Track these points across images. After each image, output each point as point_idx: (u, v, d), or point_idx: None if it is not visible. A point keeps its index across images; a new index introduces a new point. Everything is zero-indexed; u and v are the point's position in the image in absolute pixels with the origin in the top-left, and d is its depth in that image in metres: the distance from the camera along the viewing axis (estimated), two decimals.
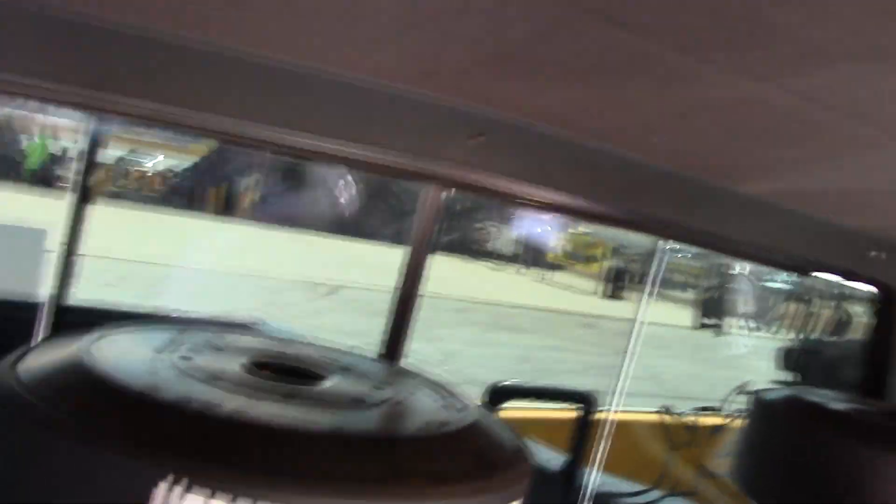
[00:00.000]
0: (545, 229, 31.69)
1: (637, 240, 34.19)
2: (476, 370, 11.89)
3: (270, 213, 26.45)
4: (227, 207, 28.10)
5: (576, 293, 25.70)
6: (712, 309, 28.35)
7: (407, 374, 1.28)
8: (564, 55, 1.25)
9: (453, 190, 1.99)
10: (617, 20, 1.06)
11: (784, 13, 0.96)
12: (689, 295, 30.35)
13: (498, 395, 2.38)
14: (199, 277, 16.10)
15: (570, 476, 2.30)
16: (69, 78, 1.33)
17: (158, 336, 1.15)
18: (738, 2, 0.96)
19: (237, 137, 1.65)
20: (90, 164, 2.41)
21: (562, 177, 1.85)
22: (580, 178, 1.86)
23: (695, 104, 1.41)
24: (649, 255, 32.65)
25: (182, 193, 30.13)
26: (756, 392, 1.96)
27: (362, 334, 12.59)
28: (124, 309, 4.31)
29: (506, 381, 2.43)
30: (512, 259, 30.60)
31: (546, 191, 1.88)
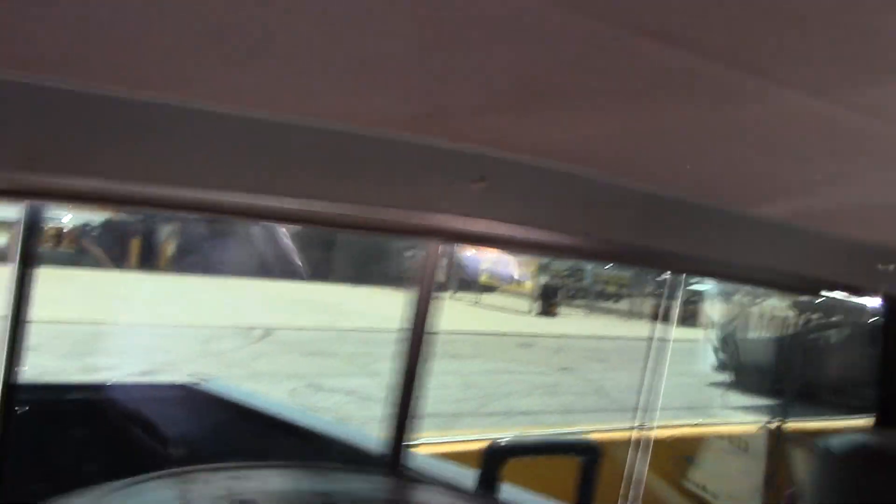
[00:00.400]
0: (472, 253, 31.75)
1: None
2: (420, 402, 11.73)
3: (192, 261, 25.89)
4: (147, 259, 27.40)
5: (510, 314, 25.74)
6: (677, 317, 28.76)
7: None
8: (594, 81, 1.12)
9: (453, 245, 1.84)
10: (656, 35, 0.95)
11: (843, 25, 0.89)
12: (621, 305, 30.77)
13: (496, 454, 2.25)
14: (127, 333, 15.60)
15: None
16: None
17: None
18: (791, 11, 0.88)
19: (208, 208, 1.43)
20: (32, 229, 2.20)
21: (571, 217, 1.70)
22: (592, 217, 1.72)
23: (736, 123, 1.29)
24: (576, 270, 33.11)
25: (100, 248, 29.27)
26: (821, 444, 1.90)
27: (301, 376, 12.34)
28: (70, 381, 4.06)
29: (503, 439, 2.31)
30: (444, 286, 30.48)
31: (553, 233, 1.71)
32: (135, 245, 27.86)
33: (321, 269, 25.51)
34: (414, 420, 2.27)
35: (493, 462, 2.23)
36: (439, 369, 14.13)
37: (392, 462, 2.23)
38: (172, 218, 28.00)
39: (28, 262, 2.13)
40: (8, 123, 1.09)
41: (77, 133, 1.15)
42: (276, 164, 1.32)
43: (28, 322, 2.31)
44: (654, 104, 1.23)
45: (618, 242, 1.80)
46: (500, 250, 2.02)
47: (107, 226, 31.74)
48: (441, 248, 1.89)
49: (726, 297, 38.78)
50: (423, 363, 2.18)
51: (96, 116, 1.16)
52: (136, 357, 13.28)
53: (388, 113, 1.31)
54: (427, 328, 2.20)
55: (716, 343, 16.67)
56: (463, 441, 5.59)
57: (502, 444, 2.19)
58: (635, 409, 12.41)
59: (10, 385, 2.20)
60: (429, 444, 4.39)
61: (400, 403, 2.24)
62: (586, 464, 2.29)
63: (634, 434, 6.26)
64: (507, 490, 2.34)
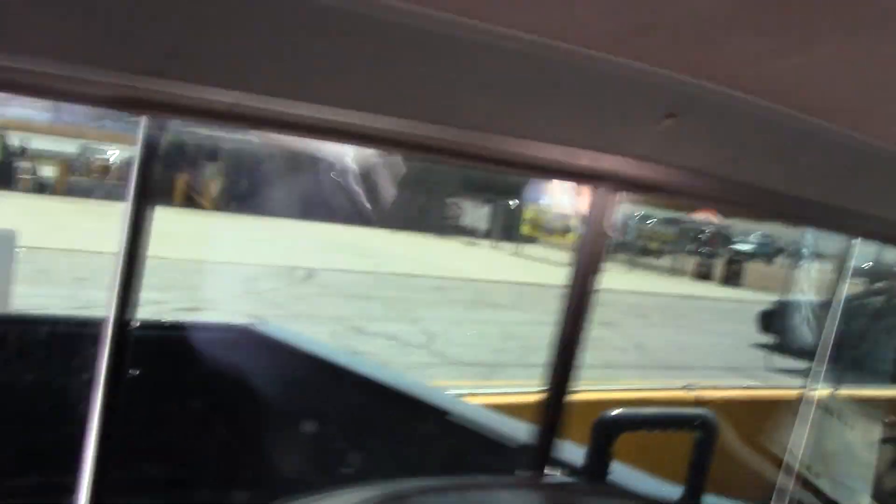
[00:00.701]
0: (516, 203, 31.54)
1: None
2: (460, 350, 11.71)
3: (237, 200, 26.02)
4: (192, 197, 27.59)
5: (551, 265, 25.58)
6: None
7: None
8: (822, 4, 0.93)
9: (625, 193, 1.63)
10: None
11: None
12: (663, 262, 30.44)
13: (607, 428, 2.12)
14: (170, 269, 15.75)
15: None
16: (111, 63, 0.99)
17: None
18: None
19: (348, 133, 1.21)
20: (149, 160, 1.96)
21: (769, 167, 1.50)
22: (791, 169, 1.50)
23: None
24: (621, 223, 32.96)
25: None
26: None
27: (342, 318, 12.35)
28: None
29: (614, 412, 2.17)
30: (485, 234, 30.42)
31: (744, 185, 1.52)
32: (180, 182, 28.04)
33: (366, 213, 25.49)
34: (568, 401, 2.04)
35: (604, 437, 2.09)
36: (480, 318, 14.12)
37: (541, 453, 2.01)
38: (218, 156, 28.10)
39: (144, 190, 1.91)
40: (137, 26, 0.97)
41: (214, 39, 1.01)
42: (445, 88, 1.13)
43: (144, 258, 2.12)
44: (886, 38, 1.02)
45: (819, 201, 1.55)
46: (676, 200, 1.78)
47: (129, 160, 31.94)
48: (613, 196, 1.65)
49: (770, 258, 38.25)
50: (584, 329, 1.95)
51: (244, 21, 1.01)
52: (180, 293, 13.40)
53: (586, 26, 1.10)
54: (591, 287, 1.97)
55: (763, 305, 16.38)
56: (518, 393, 5.53)
57: (613, 417, 2.07)
58: (678, 368, 12.28)
59: (124, 322, 2.04)
60: (478, 395, 4.33)
61: (555, 379, 2.00)
62: (702, 439, 2.17)
63: (688, 394, 6.13)
64: (618, 466, 2.18)
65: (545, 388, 1.95)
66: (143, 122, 1.57)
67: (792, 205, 1.59)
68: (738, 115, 1.34)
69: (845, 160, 1.50)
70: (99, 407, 1.53)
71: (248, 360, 3.23)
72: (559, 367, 1.93)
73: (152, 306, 11.43)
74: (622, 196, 1.64)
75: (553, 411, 1.93)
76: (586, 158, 1.40)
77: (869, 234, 2.05)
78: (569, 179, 1.55)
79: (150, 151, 1.56)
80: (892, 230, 1.77)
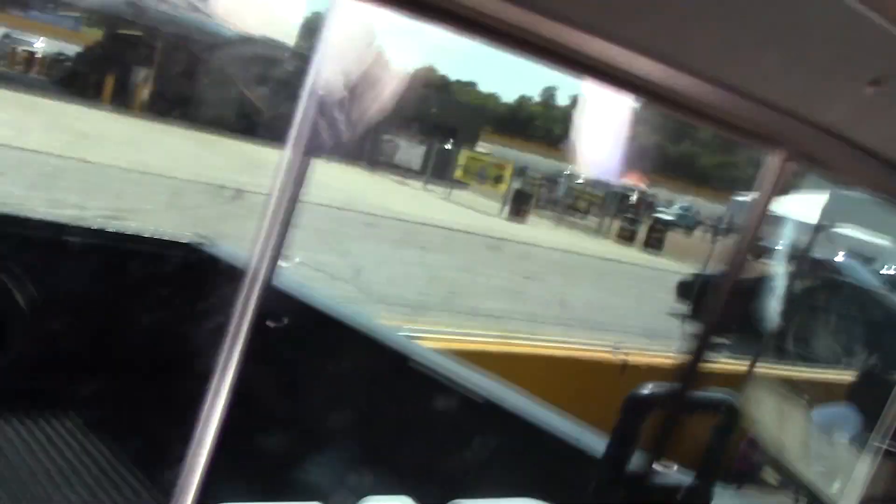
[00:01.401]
0: (451, 145, 31.39)
1: (541, 163, 34.38)
2: (387, 288, 11.64)
3: (167, 107, 25.15)
4: (120, 99, 26.58)
5: (479, 213, 25.64)
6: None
7: None
8: None
9: (798, 164, 1.46)
10: None
11: None
12: (589, 221, 30.84)
13: (637, 406, 2.03)
14: (93, 172, 15.18)
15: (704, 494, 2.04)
16: None
17: None
18: None
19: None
20: (314, 108, 1.61)
21: None
22: None
23: None
24: (552, 179, 33.01)
25: (73, 81, 28.30)
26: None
27: None
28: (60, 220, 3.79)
29: (645, 391, 2.06)
30: (418, 174, 30.23)
31: None
32: (109, 82, 26.95)
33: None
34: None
35: (633, 415, 2.00)
36: (407, 258, 14.06)
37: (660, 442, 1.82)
38: (152, 59, 27.06)
39: (308, 140, 1.61)
40: None
41: None
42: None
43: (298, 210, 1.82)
44: None
45: None
46: (854, 179, 1.56)
47: (82, 57, 30.63)
48: (788, 166, 1.44)
49: (690, 229, 39.13)
50: (715, 330, 1.73)
51: None
52: (102, 199, 12.94)
53: None
54: (735, 277, 1.71)
55: (680, 274, 16.75)
56: (471, 341, 5.50)
57: (644, 396, 2.00)
58: (599, 328, 12.46)
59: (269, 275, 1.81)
60: (430, 338, 4.27)
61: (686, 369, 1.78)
62: (723, 422, 2.13)
63: (613, 356, 6.18)
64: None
65: (675, 377, 1.80)
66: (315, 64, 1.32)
67: None
68: None
69: None
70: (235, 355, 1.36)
71: (195, 280, 3.08)
72: (693, 356, 1.74)
73: (72, 210, 11.02)
74: (794, 168, 1.49)
75: (678, 404, 1.78)
76: (771, 118, 1.25)
77: None
78: (747, 138, 1.37)
79: (316, 99, 1.34)
80: None
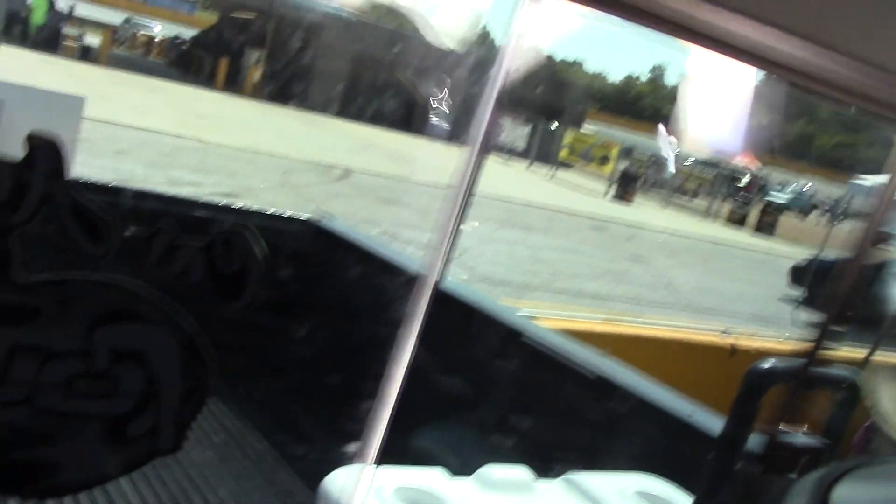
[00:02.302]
0: (556, 125, 31.12)
1: (648, 143, 33.71)
2: (491, 268, 11.69)
3: (279, 90, 25.78)
4: (234, 82, 27.38)
5: (584, 194, 25.38)
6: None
7: None
8: None
9: None
10: None
11: None
12: (697, 203, 30.13)
13: (760, 378, 2.03)
14: (209, 152, 15.72)
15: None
16: None
17: None
18: None
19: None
20: (497, 115, 1.57)
21: None
22: None
23: None
24: (658, 160, 32.27)
25: (189, 63, 29.31)
26: None
27: (376, 222, 12.32)
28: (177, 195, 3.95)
29: (766, 364, 2.05)
30: (522, 154, 30.12)
31: None
32: (223, 64, 27.79)
33: (404, 118, 25.22)
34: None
35: (755, 388, 1.99)
36: (511, 238, 14.07)
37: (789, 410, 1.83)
38: (263, 43, 27.75)
39: (485, 142, 1.63)
40: None
41: None
42: None
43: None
44: None
45: None
46: None
47: (197, 40, 31.68)
48: None
49: (804, 212, 37.73)
50: (849, 306, 1.72)
51: None
52: (218, 176, 13.41)
53: None
54: (862, 258, 1.70)
55: (792, 259, 16.20)
56: (585, 321, 5.50)
57: (766, 369, 1.99)
58: (707, 311, 12.21)
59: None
60: (543, 318, 4.28)
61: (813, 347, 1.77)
62: (845, 400, 2.10)
63: (722, 340, 6.05)
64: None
65: (806, 348, 1.78)
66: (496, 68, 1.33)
67: None
68: None
69: None
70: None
71: (314, 254, 3.17)
72: (823, 330, 1.72)
73: (190, 188, 11.47)
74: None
75: (808, 373, 1.76)
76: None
77: None
78: (881, 112, 1.35)
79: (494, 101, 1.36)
80: None
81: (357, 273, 3.17)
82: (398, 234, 11.90)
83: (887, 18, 1.08)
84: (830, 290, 1.80)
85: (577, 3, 1.08)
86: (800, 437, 1.88)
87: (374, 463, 1.33)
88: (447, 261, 1.39)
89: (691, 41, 1.10)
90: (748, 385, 2.00)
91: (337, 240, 3.42)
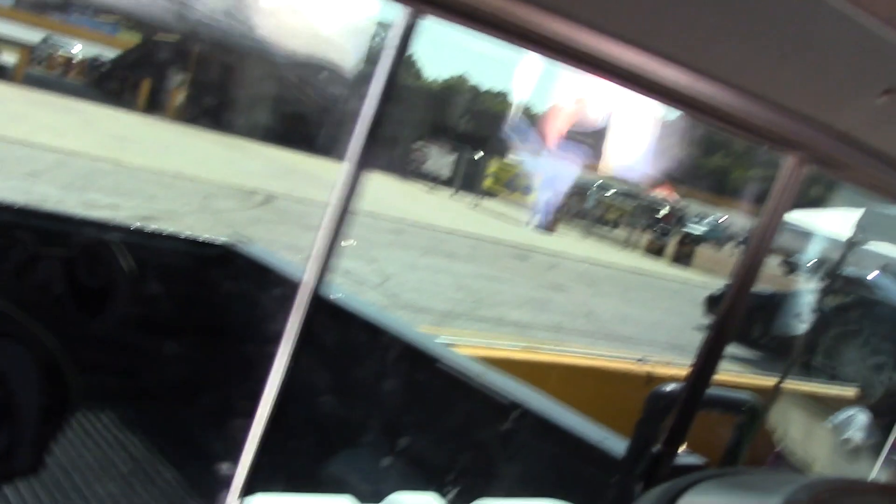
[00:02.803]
0: (481, 155, 31.42)
1: (572, 174, 34.27)
2: (414, 295, 11.68)
3: (201, 112, 25.44)
4: (156, 104, 26.92)
5: (508, 222, 25.64)
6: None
7: None
8: None
9: (813, 167, 1.51)
10: None
11: None
12: (617, 234, 30.72)
13: (662, 400, 2.07)
14: (128, 175, 15.39)
15: None
16: None
17: None
18: None
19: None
20: (377, 122, 1.53)
21: None
22: None
23: None
24: (582, 191, 32.82)
25: (109, 85, 28.71)
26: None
27: (298, 249, 12.26)
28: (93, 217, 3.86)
29: (668, 388, 2.10)
30: (447, 182, 30.30)
31: None
32: (144, 87, 27.31)
33: (328, 143, 25.15)
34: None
35: (655, 411, 2.02)
36: (434, 266, 14.04)
37: (678, 434, 1.85)
38: (186, 66, 27.39)
39: (365, 153, 1.59)
40: None
41: None
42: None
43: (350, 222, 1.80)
44: None
45: None
46: (868, 184, 1.58)
47: (118, 61, 31.06)
48: (802, 169, 1.49)
49: (720, 243, 38.81)
50: (734, 324, 1.78)
51: None
52: (137, 200, 13.12)
53: None
54: (751, 282, 1.81)
55: (707, 288, 16.63)
56: (504, 349, 5.52)
57: (667, 392, 2.02)
58: (625, 340, 12.41)
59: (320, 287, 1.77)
60: (458, 345, 4.29)
61: (700, 366, 1.82)
62: (745, 423, 2.15)
63: (638, 368, 6.16)
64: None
65: (691, 369, 1.84)
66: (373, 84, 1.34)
67: None
68: None
69: None
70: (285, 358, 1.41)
71: (229, 279, 3.13)
72: (707, 352, 1.78)
73: (107, 211, 11.19)
74: (807, 169, 1.53)
75: (695, 394, 1.81)
76: (787, 122, 1.30)
77: None
78: (763, 140, 1.43)
79: (380, 112, 1.37)
80: None
81: (269, 295, 3.15)
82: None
83: (765, 48, 1.14)
84: (723, 306, 1.86)
85: (463, 25, 1.11)
86: (688, 457, 1.93)
87: (243, 485, 1.31)
88: (325, 274, 1.41)
89: (577, 67, 1.13)
90: (648, 408, 2.05)
91: (252, 263, 3.39)
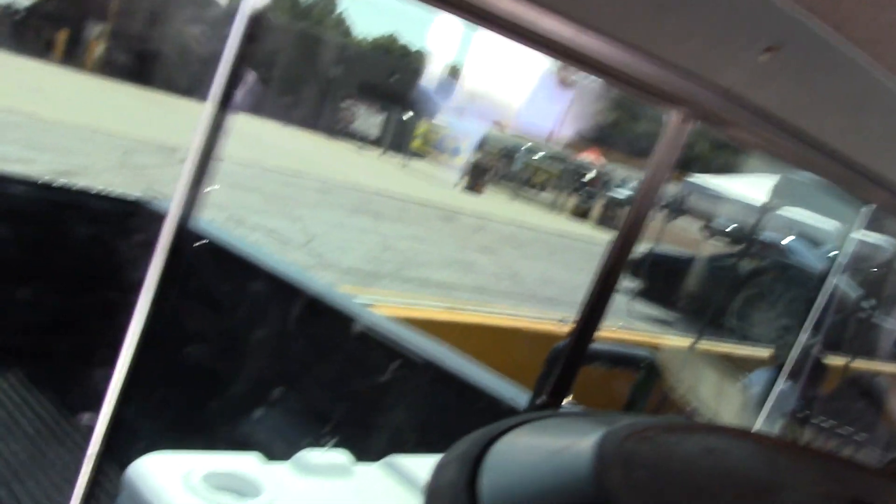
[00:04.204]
0: (410, 116, 31.25)
1: (499, 136, 34.39)
2: (339, 255, 11.62)
3: (121, 66, 24.64)
4: (73, 55, 25.96)
5: (436, 184, 25.63)
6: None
7: None
8: None
9: (699, 122, 1.51)
10: None
11: None
12: (545, 196, 31.00)
13: (557, 356, 2.07)
14: (42, 126, 14.87)
15: None
16: None
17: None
18: None
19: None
20: (241, 60, 1.50)
21: (839, 123, 1.41)
22: (862, 131, 1.42)
23: None
24: (508, 153, 33.02)
25: (22, 34, 27.55)
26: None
27: (222, 207, 11.98)
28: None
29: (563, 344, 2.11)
30: (375, 142, 30.08)
31: (812, 140, 1.44)
32: (61, 37, 26.30)
33: (257, 101, 24.68)
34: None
35: (553, 366, 2.04)
36: (361, 226, 13.97)
37: (563, 385, 1.88)
38: (106, 16, 26.45)
39: (228, 92, 1.52)
40: None
41: None
42: None
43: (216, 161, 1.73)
44: None
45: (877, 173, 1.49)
46: (750, 141, 1.60)
47: (34, 10, 29.80)
48: (687, 125, 1.50)
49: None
50: (617, 279, 1.81)
51: None
52: (52, 154, 12.70)
53: None
54: (634, 237, 1.84)
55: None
56: (427, 309, 5.53)
57: (560, 348, 2.03)
58: (550, 301, 12.58)
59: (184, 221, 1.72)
60: (380, 305, 4.28)
61: (585, 318, 1.88)
62: (643, 379, 2.19)
63: (559, 329, 6.25)
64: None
65: (574, 324, 1.88)
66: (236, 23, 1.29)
67: (841, 168, 1.56)
68: (830, 61, 1.26)
69: None
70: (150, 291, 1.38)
71: (143, 235, 3.05)
72: (591, 306, 1.82)
73: (20, 165, 10.79)
74: (692, 126, 1.55)
75: (577, 347, 1.85)
76: (672, 78, 1.30)
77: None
78: (647, 96, 1.44)
79: (244, 52, 1.33)
80: None
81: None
82: (243, 220, 11.64)
83: (646, 3, 1.15)
84: (603, 268, 1.90)
85: None
86: (572, 408, 1.98)
87: (104, 435, 1.29)
88: (190, 216, 1.40)
89: (458, 15, 1.13)
90: (547, 363, 2.09)
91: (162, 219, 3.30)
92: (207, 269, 3.07)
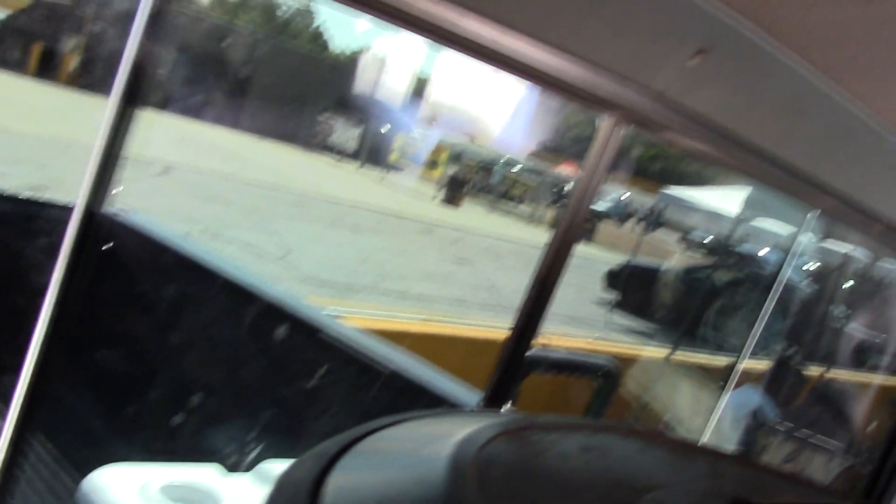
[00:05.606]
0: (388, 130, 31.27)
1: (476, 150, 34.48)
2: (316, 268, 11.59)
3: (96, 79, 24.47)
4: (47, 69, 25.77)
5: (415, 197, 25.64)
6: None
7: None
8: None
9: (632, 126, 1.53)
10: None
11: None
12: (522, 209, 31.08)
13: (501, 363, 2.09)
14: (17, 142, 14.76)
15: None
16: None
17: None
18: None
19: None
20: (145, 57, 1.54)
21: (771, 125, 1.44)
22: (792, 133, 1.45)
23: None
24: (486, 166, 33.03)
25: None
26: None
27: (197, 220, 11.89)
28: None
29: (528, 352, 2.13)
30: (353, 156, 30.05)
31: (744, 142, 1.46)
32: (35, 51, 26.13)
33: (235, 115, 24.61)
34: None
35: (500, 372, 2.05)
36: (339, 239, 13.95)
37: (502, 389, 1.90)
38: (81, 30, 26.30)
39: (133, 87, 1.52)
40: None
41: None
42: None
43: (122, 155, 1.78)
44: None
45: (806, 171, 1.51)
46: (687, 146, 1.63)
47: (8, 23, 29.59)
48: (620, 129, 1.53)
49: (621, 220, 39.79)
50: (559, 277, 1.84)
51: None
52: (26, 167, 12.60)
53: None
54: (579, 227, 1.89)
55: (611, 264, 17.03)
56: (395, 321, 5.53)
57: (527, 356, 2.04)
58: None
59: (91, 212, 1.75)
60: (353, 317, 4.28)
61: (522, 322, 1.88)
62: (602, 386, 2.20)
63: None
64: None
65: (512, 329, 1.91)
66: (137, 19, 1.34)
67: (782, 173, 1.58)
68: (762, 64, 1.29)
69: (845, 138, 1.49)
70: (56, 287, 1.39)
71: (114, 249, 3.04)
72: (529, 310, 1.85)
73: None
74: (625, 129, 1.57)
75: (516, 351, 1.87)
76: (604, 82, 1.32)
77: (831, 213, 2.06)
78: (580, 100, 1.46)
79: (147, 48, 1.37)
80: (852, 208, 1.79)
81: (141, 261, 3.09)
82: (219, 233, 11.59)
83: (572, 5, 1.17)
84: (540, 272, 1.92)
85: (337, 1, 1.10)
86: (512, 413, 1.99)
87: (12, 438, 1.30)
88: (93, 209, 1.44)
89: (431, 39, 1.14)
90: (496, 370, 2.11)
91: (129, 232, 3.30)
92: (153, 271, 3.07)
